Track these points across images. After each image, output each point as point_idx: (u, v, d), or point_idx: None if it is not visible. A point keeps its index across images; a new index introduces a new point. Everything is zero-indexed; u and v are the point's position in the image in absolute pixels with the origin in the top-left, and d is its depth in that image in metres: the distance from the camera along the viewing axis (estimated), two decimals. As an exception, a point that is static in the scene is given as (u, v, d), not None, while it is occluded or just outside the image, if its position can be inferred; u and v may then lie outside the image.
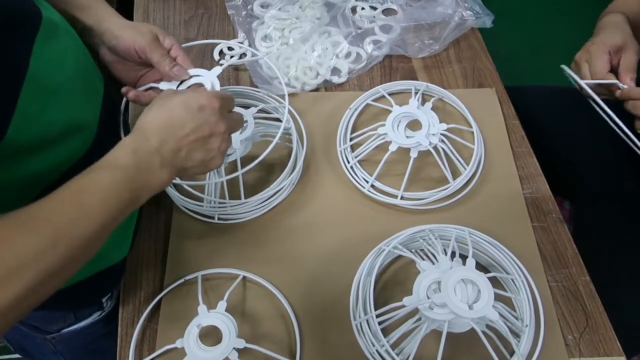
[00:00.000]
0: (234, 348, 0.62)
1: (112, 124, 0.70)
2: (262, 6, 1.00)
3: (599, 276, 0.74)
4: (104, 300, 0.78)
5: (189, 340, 0.62)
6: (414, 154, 0.78)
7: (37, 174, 0.57)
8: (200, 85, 0.70)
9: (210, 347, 0.62)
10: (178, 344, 0.63)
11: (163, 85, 0.70)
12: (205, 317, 0.64)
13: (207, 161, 0.59)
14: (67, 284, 0.67)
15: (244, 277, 0.72)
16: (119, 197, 0.50)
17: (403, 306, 0.62)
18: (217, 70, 0.71)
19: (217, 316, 0.64)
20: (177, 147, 0.55)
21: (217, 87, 0.70)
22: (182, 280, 0.71)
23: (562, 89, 1.13)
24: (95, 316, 0.78)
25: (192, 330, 0.63)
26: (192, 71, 0.70)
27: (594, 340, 0.68)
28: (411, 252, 0.69)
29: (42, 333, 0.78)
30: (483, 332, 0.61)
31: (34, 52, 0.53)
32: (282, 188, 0.78)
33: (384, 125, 0.80)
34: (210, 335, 0.65)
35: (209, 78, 0.70)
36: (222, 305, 0.66)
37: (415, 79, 0.94)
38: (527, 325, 0.61)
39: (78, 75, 0.61)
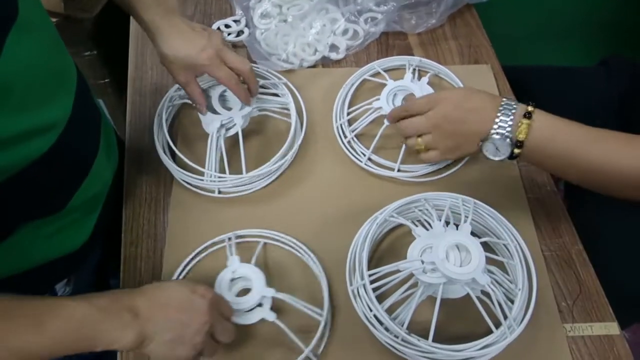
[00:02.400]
0: (265, 296, 0.64)
1: (81, 122, 0.68)
2: (259, -16, 1.01)
3: (591, 254, 0.75)
4: (58, 286, 0.77)
5: (221, 286, 0.64)
6: (410, 127, 0.79)
7: None
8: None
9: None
10: None
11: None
12: (238, 265, 0.66)
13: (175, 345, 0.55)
14: (19, 271, 0.67)
15: (265, 244, 0.73)
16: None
17: (398, 271, 0.63)
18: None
19: (248, 266, 0.66)
20: (151, 314, 0.54)
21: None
22: (209, 243, 0.73)
23: (558, 69, 1.14)
24: None
25: (225, 277, 0.65)
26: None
27: (587, 307, 0.69)
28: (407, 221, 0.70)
29: None
30: (478, 298, 0.62)
31: (5, 49, 0.51)
32: (282, 162, 0.79)
33: (378, 99, 0.81)
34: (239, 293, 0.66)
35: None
36: (252, 260, 0.69)
37: (412, 55, 0.94)
38: (519, 289, 0.62)
39: (49, 75, 0.60)
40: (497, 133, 0.64)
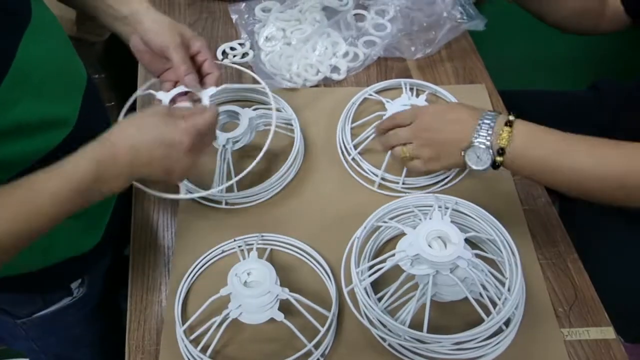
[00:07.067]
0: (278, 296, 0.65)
1: (90, 121, 0.72)
2: (263, 10, 1.06)
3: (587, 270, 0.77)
4: (73, 286, 0.78)
5: (233, 282, 0.65)
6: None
7: (9, 161, 0.60)
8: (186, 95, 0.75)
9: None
10: (223, 292, 0.66)
11: (160, 95, 0.75)
12: (250, 262, 0.68)
13: (165, 179, 0.64)
14: (33, 269, 0.70)
15: (271, 250, 0.75)
16: (71, 202, 0.55)
17: (396, 274, 0.65)
18: (211, 90, 0.75)
19: (260, 261, 0.68)
20: (138, 168, 0.60)
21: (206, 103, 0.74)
22: (219, 249, 0.75)
23: (550, 92, 1.18)
24: (65, 301, 0.79)
25: (238, 271, 0.66)
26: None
27: (583, 312, 0.71)
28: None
29: (12, 317, 0.78)
30: (476, 301, 0.64)
31: (22, 44, 0.58)
32: (283, 176, 0.82)
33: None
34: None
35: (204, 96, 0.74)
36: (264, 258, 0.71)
37: (410, 77, 0.98)
38: (513, 281, 0.64)
39: (60, 73, 0.65)
40: (478, 141, 0.66)
